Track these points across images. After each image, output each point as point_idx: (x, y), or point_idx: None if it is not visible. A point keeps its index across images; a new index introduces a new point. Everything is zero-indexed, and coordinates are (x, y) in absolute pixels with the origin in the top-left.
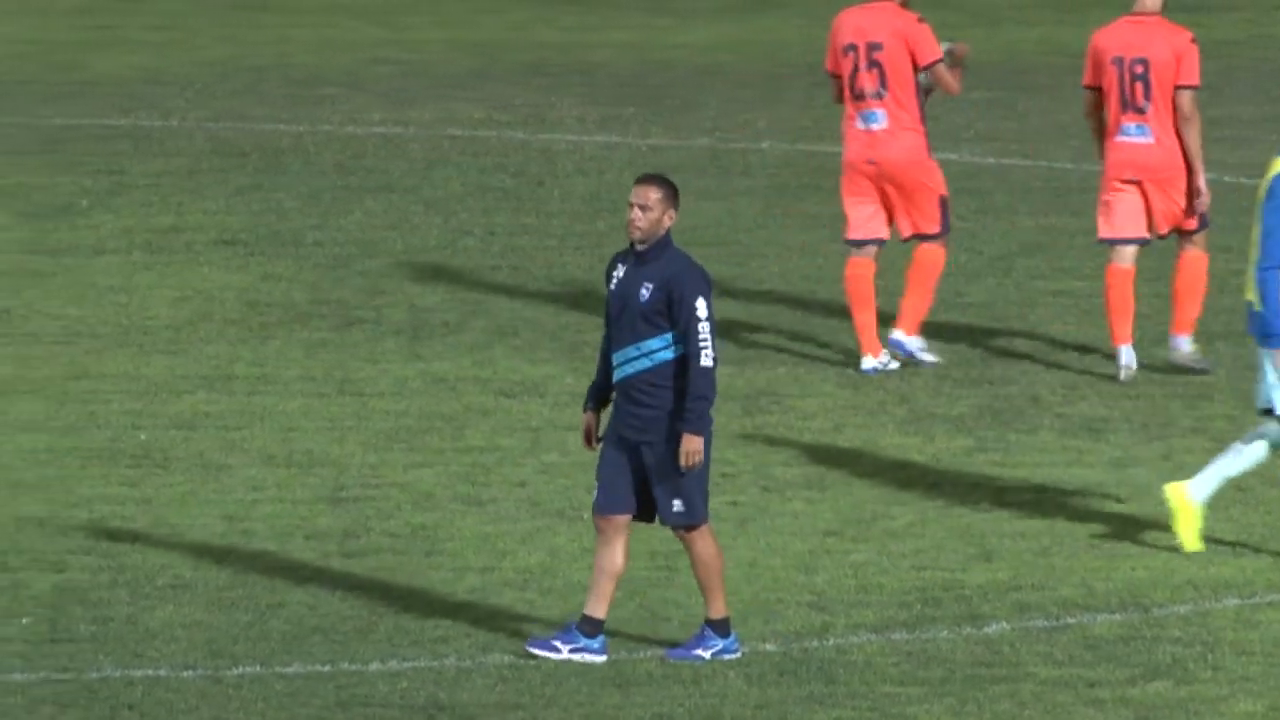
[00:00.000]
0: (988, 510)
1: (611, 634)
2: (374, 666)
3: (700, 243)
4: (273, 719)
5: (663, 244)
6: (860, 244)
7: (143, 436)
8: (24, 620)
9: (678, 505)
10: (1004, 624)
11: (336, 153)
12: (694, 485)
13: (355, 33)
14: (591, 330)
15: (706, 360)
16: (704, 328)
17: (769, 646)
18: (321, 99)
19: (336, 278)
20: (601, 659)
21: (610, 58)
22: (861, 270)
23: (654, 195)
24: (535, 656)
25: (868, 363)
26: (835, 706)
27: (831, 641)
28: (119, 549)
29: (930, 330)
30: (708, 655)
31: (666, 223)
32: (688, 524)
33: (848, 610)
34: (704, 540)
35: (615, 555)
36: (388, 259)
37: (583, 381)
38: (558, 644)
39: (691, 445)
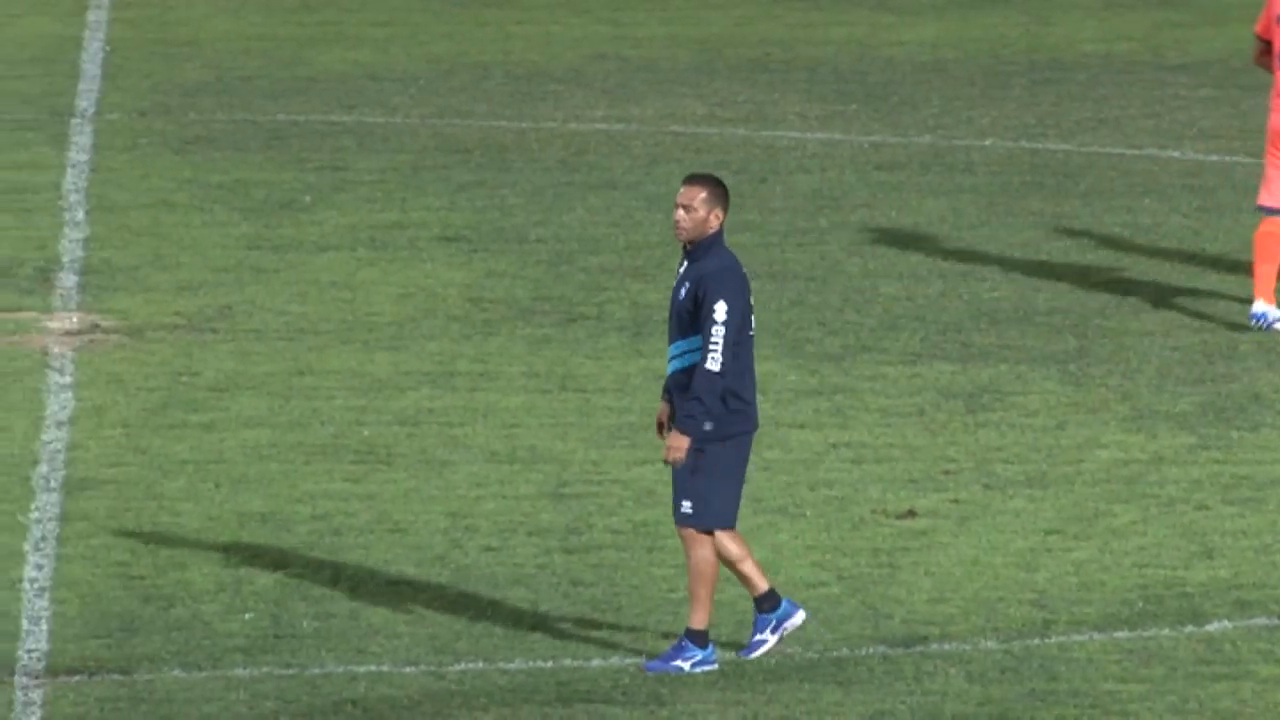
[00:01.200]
0: (1210, 508)
1: (834, 630)
2: (595, 662)
3: (922, 240)
4: (495, 715)
5: (708, 244)
6: (1273, 211)
7: (366, 433)
8: (246, 616)
9: (686, 506)
10: (1226, 622)
11: (559, 149)
12: (708, 489)
13: (578, 29)
14: (814, 328)
15: (712, 364)
16: (717, 331)
17: (990, 644)
18: (544, 95)
19: (559, 274)
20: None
21: (833, 54)
22: (1273, 229)
23: (699, 196)
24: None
25: (1258, 307)
26: (1057, 704)
27: (1053, 639)
28: (342, 545)
29: (1153, 325)
30: (687, 667)
31: (713, 223)
32: (694, 525)
33: (1069, 608)
34: (704, 548)
35: (727, 550)
36: (610, 255)
37: (806, 379)
38: (678, 663)
39: (675, 442)
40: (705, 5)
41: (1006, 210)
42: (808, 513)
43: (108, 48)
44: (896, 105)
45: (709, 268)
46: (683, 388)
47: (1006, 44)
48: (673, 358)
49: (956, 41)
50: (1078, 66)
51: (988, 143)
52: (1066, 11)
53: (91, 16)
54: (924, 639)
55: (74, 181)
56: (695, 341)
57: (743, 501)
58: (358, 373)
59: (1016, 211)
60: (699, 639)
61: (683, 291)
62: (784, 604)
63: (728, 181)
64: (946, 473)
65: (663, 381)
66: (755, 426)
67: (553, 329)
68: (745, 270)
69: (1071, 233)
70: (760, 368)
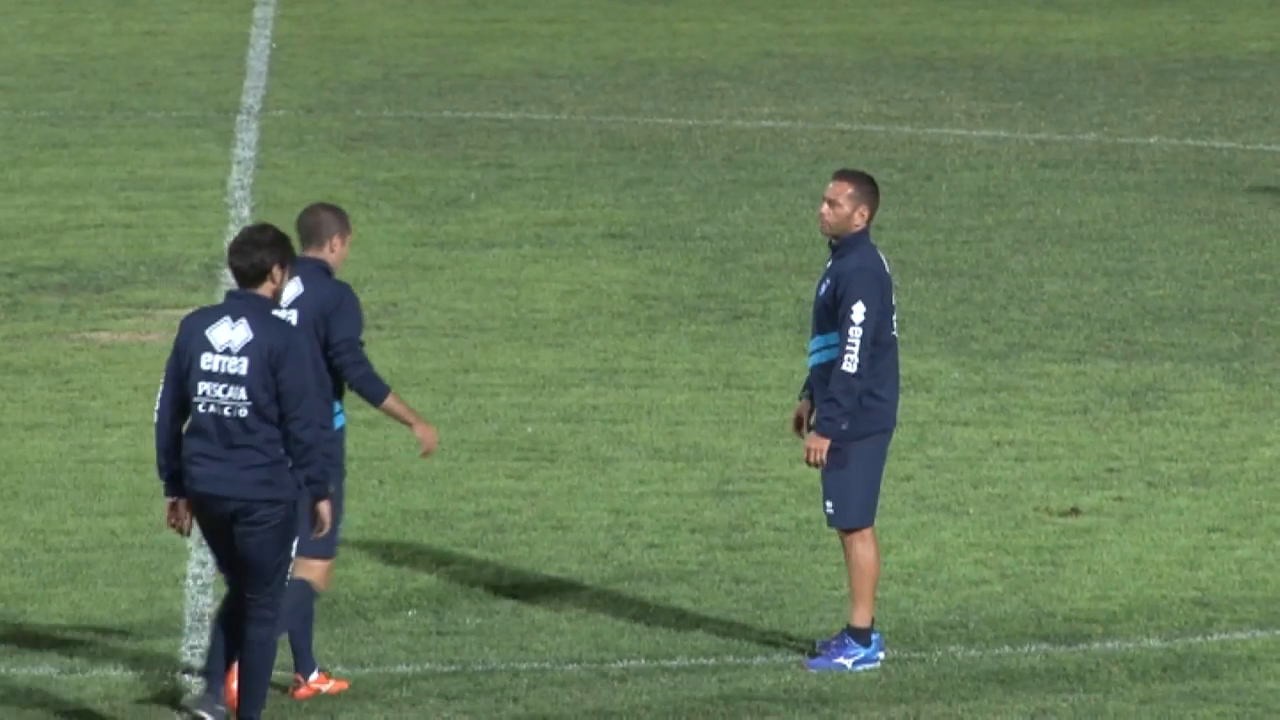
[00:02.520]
0: None
1: (997, 628)
2: (758, 660)
3: (1087, 238)
4: (657, 711)
5: (852, 241)
6: None
7: (530, 429)
8: (409, 613)
9: (829, 506)
10: None
11: (725, 146)
12: (849, 487)
13: (744, 26)
14: (978, 326)
15: (848, 365)
16: (854, 332)
17: (1153, 642)
18: (710, 93)
19: (724, 271)
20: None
21: (999, 52)
22: None
23: (846, 191)
24: (925, 649)
25: None
26: (1219, 703)
27: (1215, 637)
28: (505, 542)
29: None
30: (849, 664)
31: (858, 220)
32: (838, 526)
33: (1232, 606)
34: (862, 545)
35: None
36: (775, 253)
37: (970, 377)
38: (840, 660)
39: (814, 444)
40: (872, 3)
41: (1171, 208)
42: (971, 510)
43: (274, 45)
44: (1062, 103)
45: (849, 265)
46: (822, 384)
47: (1172, 41)
48: (812, 352)
49: (1122, 39)
50: (1243, 64)
51: (1153, 140)
52: (1232, 9)
53: (258, 13)
54: (1086, 637)
55: (240, 178)
56: (833, 338)
57: (906, 499)
58: (522, 369)
59: (1181, 209)
60: (861, 636)
61: (824, 287)
62: (874, 641)
63: (894, 179)
64: (1110, 470)
65: None
66: (893, 425)
67: (717, 326)
68: (890, 270)
69: (1236, 230)
70: (924, 365)
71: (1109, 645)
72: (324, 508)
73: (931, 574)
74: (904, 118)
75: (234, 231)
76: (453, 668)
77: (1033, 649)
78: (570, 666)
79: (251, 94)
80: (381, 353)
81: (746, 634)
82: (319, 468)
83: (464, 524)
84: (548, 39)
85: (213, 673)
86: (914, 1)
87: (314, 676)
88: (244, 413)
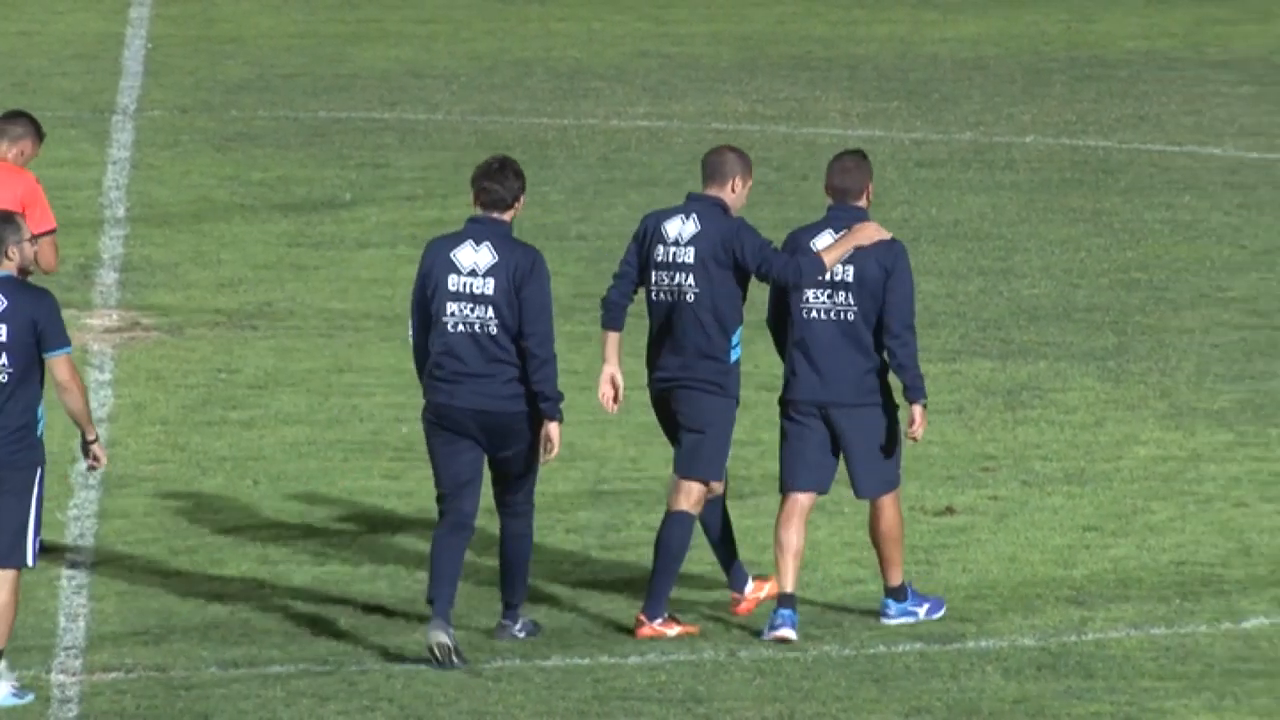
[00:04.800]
0: (1248, 505)
1: (871, 626)
2: (632, 659)
3: (962, 237)
4: (531, 711)
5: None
6: None
7: (405, 429)
8: (284, 613)
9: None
10: (1263, 619)
11: (600, 146)
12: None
13: (620, 26)
14: None
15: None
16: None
17: (1028, 640)
18: (586, 92)
19: (599, 271)
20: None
21: (875, 51)
22: None
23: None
24: (790, 645)
25: None
26: (1093, 701)
27: (1090, 636)
28: (380, 542)
29: (1192, 323)
30: (922, 613)
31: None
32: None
33: (1106, 605)
34: (895, 506)
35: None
36: None
37: None
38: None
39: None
40: (748, 3)
41: (1047, 207)
42: (846, 510)
43: (150, 45)
44: (938, 102)
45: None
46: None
47: (1047, 41)
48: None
49: (998, 38)
50: (1119, 63)
51: (1028, 139)
52: (1108, 8)
53: (134, 13)
54: (961, 636)
55: (115, 179)
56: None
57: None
58: (397, 369)
59: (1057, 208)
60: (902, 593)
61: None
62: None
63: (769, 179)
64: (985, 470)
65: None
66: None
67: (593, 326)
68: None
69: (1111, 229)
70: None
71: (984, 644)
72: (554, 428)
73: (807, 573)
74: (780, 117)
75: (109, 232)
76: (327, 668)
77: (907, 648)
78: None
79: (127, 94)
80: (256, 353)
81: (621, 634)
82: (551, 385)
83: (339, 524)
84: (423, 39)
85: (438, 597)
86: (790, 1)
87: (658, 621)
88: (494, 330)
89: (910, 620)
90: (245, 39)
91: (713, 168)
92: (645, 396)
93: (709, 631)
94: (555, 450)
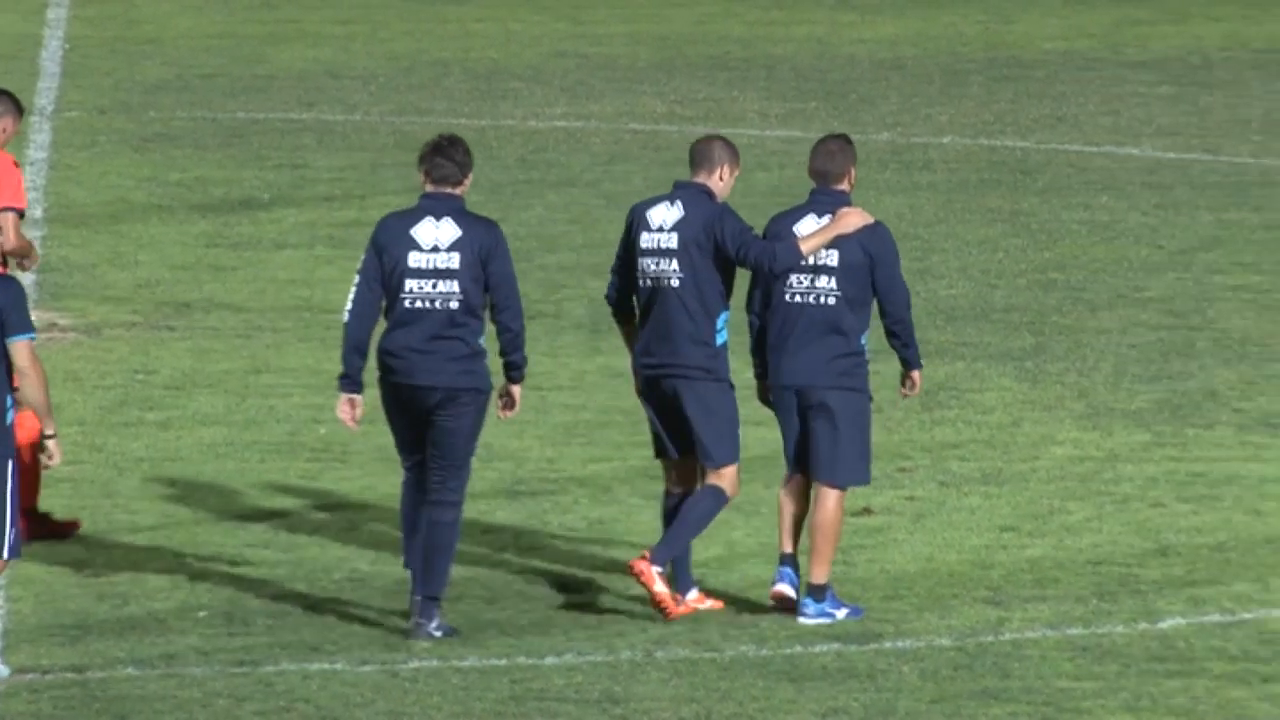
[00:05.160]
0: (1165, 505)
1: (788, 627)
2: (549, 660)
3: None
4: (449, 712)
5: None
6: None
7: (322, 430)
8: (201, 614)
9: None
10: (1179, 619)
11: (518, 147)
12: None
13: (538, 26)
14: None
15: None
16: None
17: (945, 641)
18: (504, 93)
19: (517, 272)
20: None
21: (793, 52)
22: None
23: None
24: (717, 649)
25: None
26: (1010, 701)
27: (1007, 636)
28: (297, 542)
29: (1109, 323)
30: (840, 615)
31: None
32: (846, 484)
33: (1023, 605)
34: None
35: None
36: (568, 253)
37: None
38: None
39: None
40: (666, 3)
41: (964, 207)
42: (763, 510)
43: (67, 45)
44: (855, 103)
45: None
46: None
47: (965, 41)
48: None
49: (916, 39)
50: (1037, 64)
51: (946, 140)
52: (1026, 9)
53: (51, 14)
54: (878, 636)
55: (32, 179)
56: None
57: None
58: (315, 370)
59: (974, 209)
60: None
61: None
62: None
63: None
64: (902, 470)
65: (620, 379)
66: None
67: None
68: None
69: (1029, 230)
70: None
71: (900, 644)
72: (518, 390)
73: (724, 573)
74: (698, 118)
75: (26, 233)
76: (244, 669)
77: (824, 648)
78: (363, 668)
79: (44, 95)
80: (174, 354)
81: (538, 634)
82: (522, 354)
83: (256, 524)
84: (341, 39)
85: (414, 556)
86: (708, 2)
87: (692, 594)
88: (454, 305)
89: (827, 621)
90: (163, 40)
91: (701, 156)
92: (562, 397)
93: (626, 631)
94: (516, 409)
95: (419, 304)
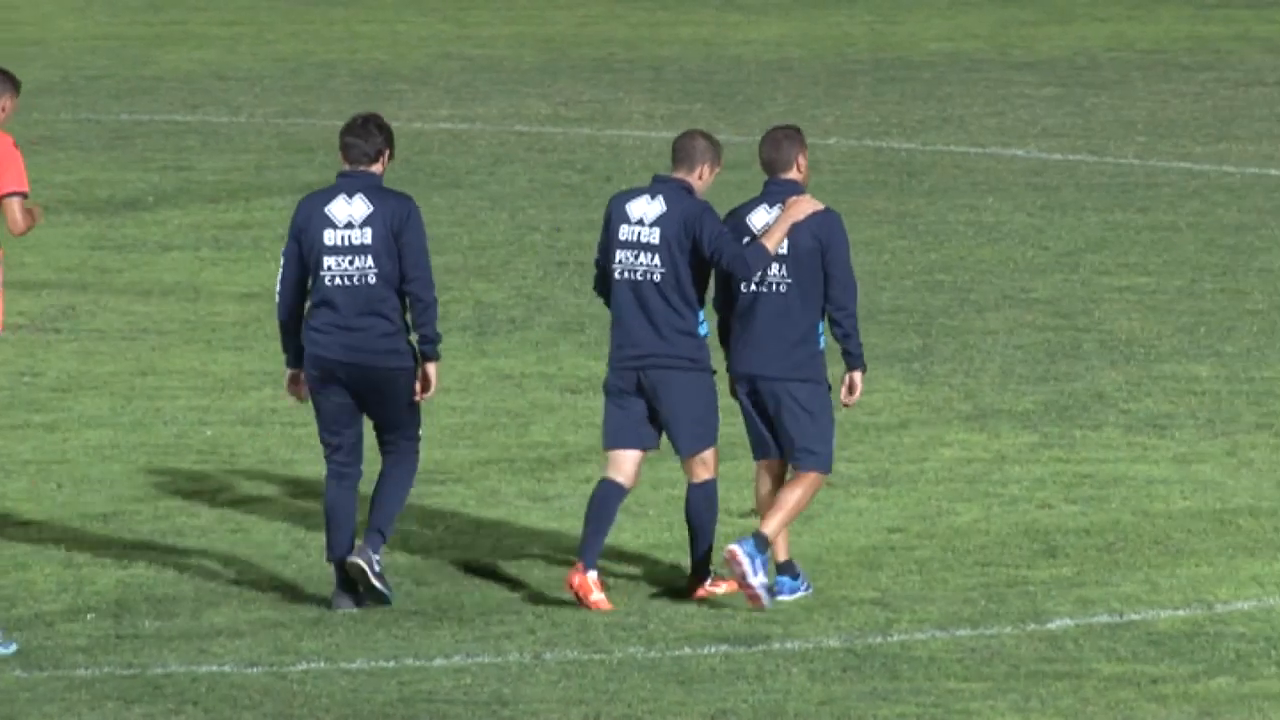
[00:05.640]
0: (1052, 506)
1: (676, 628)
2: (438, 662)
3: None
4: (337, 714)
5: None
6: None
7: (209, 433)
8: (88, 616)
9: (811, 449)
10: (1067, 620)
11: (404, 149)
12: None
13: (423, 28)
14: None
15: None
16: None
17: (833, 642)
18: (389, 95)
19: None
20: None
21: (679, 53)
22: None
23: None
24: (605, 651)
25: None
26: (899, 703)
27: (895, 637)
28: (185, 545)
29: (996, 324)
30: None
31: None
32: (819, 469)
33: (912, 606)
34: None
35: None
36: (454, 255)
37: None
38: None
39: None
40: (550, 5)
41: (851, 209)
42: (650, 511)
43: None
44: (741, 104)
45: None
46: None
47: (852, 43)
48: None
49: (802, 40)
50: (923, 65)
51: (832, 141)
52: (912, 10)
53: None
54: (766, 637)
55: None
56: None
57: (584, 501)
58: (201, 372)
59: (860, 210)
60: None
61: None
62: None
63: (573, 181)
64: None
65: (507, 381)
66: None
67: None
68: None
69: (915, 231)
70: (604, 366)
71: (789, 646)
72: (432, 369)
73: (611, 575)
74: (583, 119)
75: None
76: (132, 671)
77: (713, 650)
78: (250, 670)
79: None
80: (59, 355)
81: (426, 636)
82: (434, 327)
83: (143, 527)
84: (227, 41)
85: (336, 547)
86: (592, 3)
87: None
88: (372, 280)
89: (805, 594)
90: (48, 41)
91: (683, 152)
92: (449, 399)
93: (514, 633)
94: (433, 390)
95: (338, 280)
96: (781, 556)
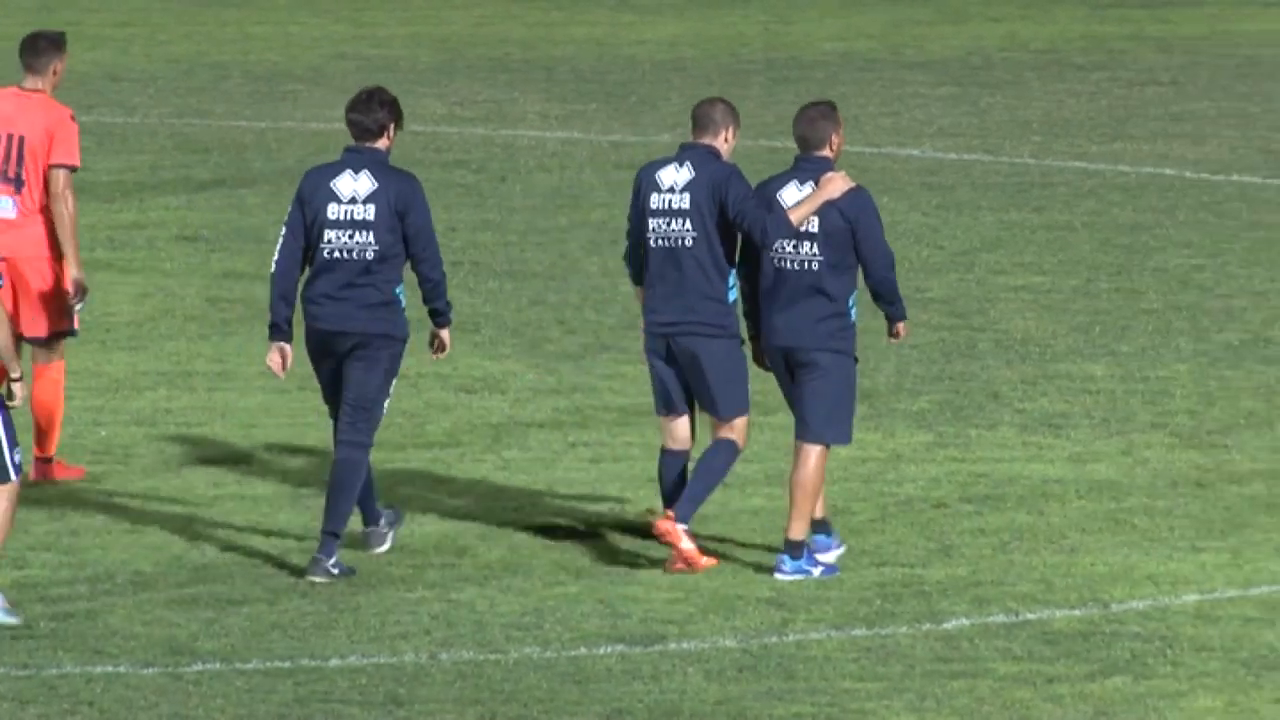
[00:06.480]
0: (948, 506)
1: (572, 629)
2: (333, 662)
3: None
4: (232, 715)
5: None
6: None
7: (104, 433)
8: None
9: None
10: (963, 620)
11: (299, 149)
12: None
13: (318, 29)
14: (553, 327)
15: None
16: None
17: (729, 642)
18: (284, 95)
19: None
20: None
21: (573, 53)
22: None
23: None
24: (501, 651)
25: None
26: (794, 702)
27: (791, 637)
28: (79, 545)
29: None
30: (816, 572)
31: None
32: (834, 441)
33: (807, 606)
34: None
35: None
36: None
37: (545, 378)
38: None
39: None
40: (445, 5)
41: None
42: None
43: None
44: (636, 104)
45: None
46: None
47: (745, 42)
48: None
49: (696, 40)
50: (817, 65)
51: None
52: (806, 10)
53: None
54: (662, 638)
55: None
56: None
57: (481, 500)
58: (95, 373)
59: None
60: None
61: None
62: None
63: (468, 181)
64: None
65: (403, 381)
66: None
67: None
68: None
69: None
70: (499, 366)
71: (685, 646)
72: (445, 334)
73: (508, 576)
74: (478, 119)
75: None
76: (27, 671)
77: (608, 650)
78: (145, 670)
79: None
80: None
81: (321, 637)
82: (444, 301)
83: (37, 527)
84: (120, 42)
85: (332, 530)
86: (488, 4)
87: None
88: (370, 255)
89: (803, 577)
90: None
91: (705, 119)
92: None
93: (409, 633)
94: (447, 350)
95: (336, 254)
96: (818, 514)
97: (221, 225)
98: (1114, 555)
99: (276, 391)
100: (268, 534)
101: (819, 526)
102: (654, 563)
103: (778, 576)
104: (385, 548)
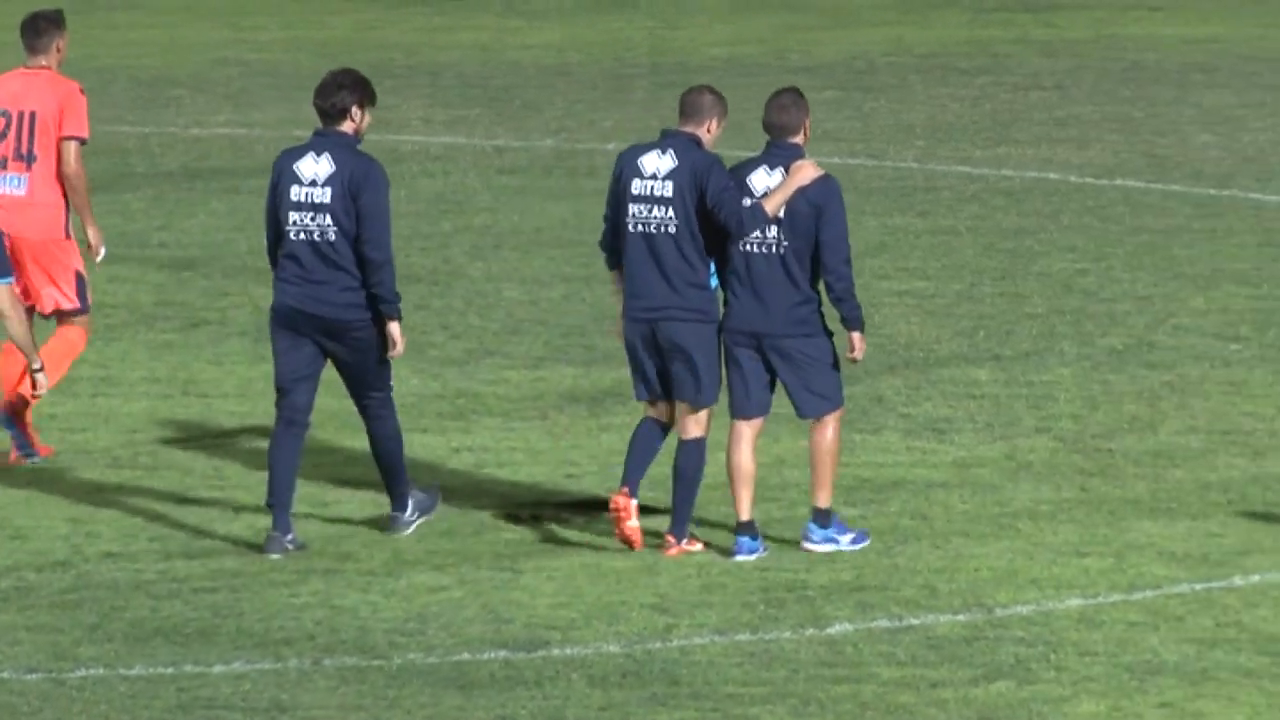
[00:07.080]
0: (832, 511)
1: (455, 634)
2: (217, 668)
3: (545, 244)
4: None
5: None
6: None
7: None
8: None
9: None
10: (847, 625)
11: (181, 154)
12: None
13: (200, 34)
14: (437, 332)
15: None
16: None
17: (612, 648)
18: (167, 100)
19: (181, 280)
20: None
21: (457, 58)
22: None
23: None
24: (385, 657)
25: None
26: (678, 708)
27: (675, 643)
28: None
29: None
30: (844, 542)
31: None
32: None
33: (691, 611)
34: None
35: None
36: (233, 261)
37: (429, 384)
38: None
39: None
40: (327, 10)
41: None
42: (429, 516)
43: None
44: (519, 109)
45: None
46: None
47: (630, 47)
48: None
49: (581, 45)
50: (702, 69)
51: (610, 146)
52: (692, 15)
53: None
54: (545, 643)
55: None
56: None
57: (364, 505)
58: None
59: None
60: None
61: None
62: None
63: None
64: (569, 476)
65: None
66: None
67: (175, 334)
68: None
69: None
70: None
71: (569, 651)
72: (394, 327)
73: (390, 581)
74: None
75: None
76: None
77: (492, 655)
78: (29, 676)
79: None
80: None
81: (205, 643)
82: (388, 287)
83: None
84: (4, 47)
85: (276, 500)
86: (370, 9)
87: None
88: (332, 237)
89: (832, 547)
90: None
91: (691, 107)
92: (228, 404)
93: (293, 639)
94: (399, 348)
95: (301, 236)
96: (821, 504)
97: (104, 230)
98: (998, 560)
99: (160, 398)
100: (151, 539)
101: (745, 528)
102: (538, 568)
103: (806, 546)
104: (290, 538)
